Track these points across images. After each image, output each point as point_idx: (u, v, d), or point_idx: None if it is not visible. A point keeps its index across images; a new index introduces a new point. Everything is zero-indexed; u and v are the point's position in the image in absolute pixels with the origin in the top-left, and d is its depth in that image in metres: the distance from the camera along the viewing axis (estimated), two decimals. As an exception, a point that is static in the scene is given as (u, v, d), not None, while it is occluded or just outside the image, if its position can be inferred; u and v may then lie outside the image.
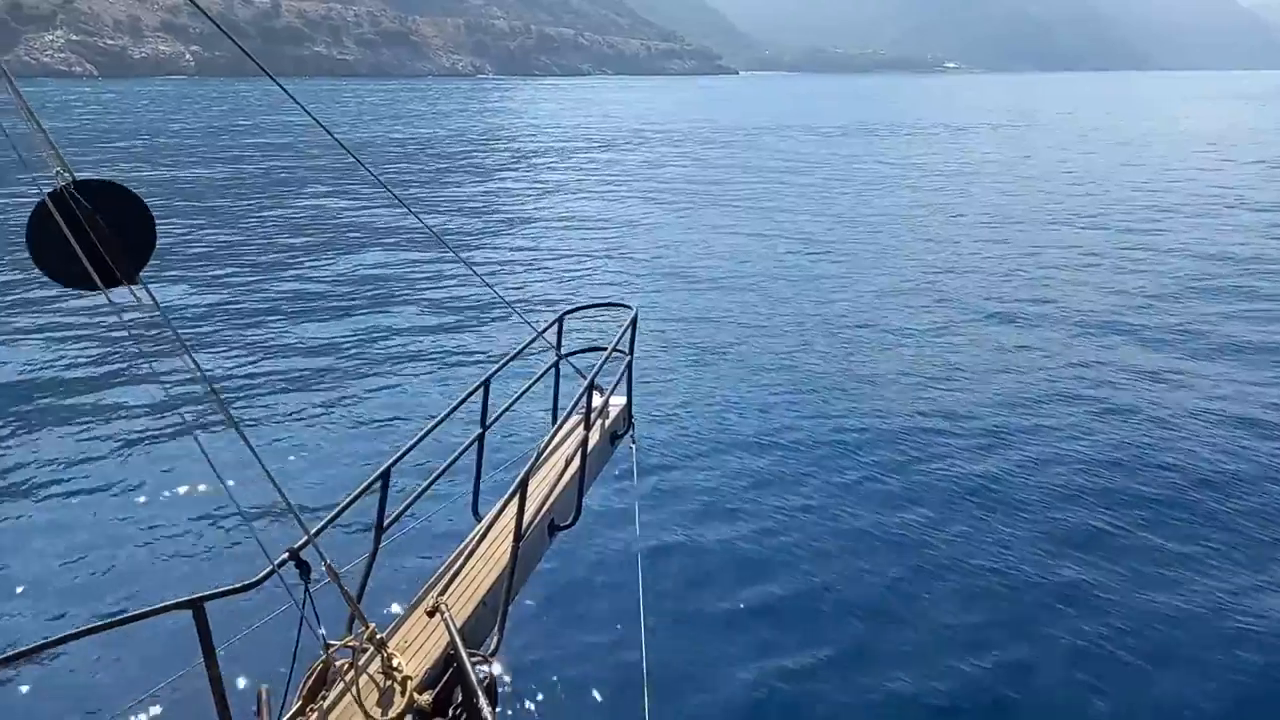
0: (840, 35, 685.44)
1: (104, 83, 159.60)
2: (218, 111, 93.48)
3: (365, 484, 4.85)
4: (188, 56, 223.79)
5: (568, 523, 6.26)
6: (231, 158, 54.75)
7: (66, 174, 3.18)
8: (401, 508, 5.19)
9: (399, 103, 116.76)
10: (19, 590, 9.57)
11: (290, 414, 14.74)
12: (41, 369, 17.15)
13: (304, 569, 4.13)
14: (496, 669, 4.71)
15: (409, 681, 4.13)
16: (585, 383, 6.35)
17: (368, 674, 4.22)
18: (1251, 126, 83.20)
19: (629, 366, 7.56)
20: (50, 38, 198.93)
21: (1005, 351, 17.48)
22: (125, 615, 3.70)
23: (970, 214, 33.82)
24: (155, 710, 7.06)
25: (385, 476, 4.97)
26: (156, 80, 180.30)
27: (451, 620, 4.11)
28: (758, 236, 29.87)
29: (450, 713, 4.17)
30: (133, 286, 3.36)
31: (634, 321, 7.56)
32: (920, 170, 48.06)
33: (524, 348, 7.17)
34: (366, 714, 3.96)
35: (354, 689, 4.05)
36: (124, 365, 16.94)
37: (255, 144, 62.85)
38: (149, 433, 13.75)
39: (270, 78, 5.50)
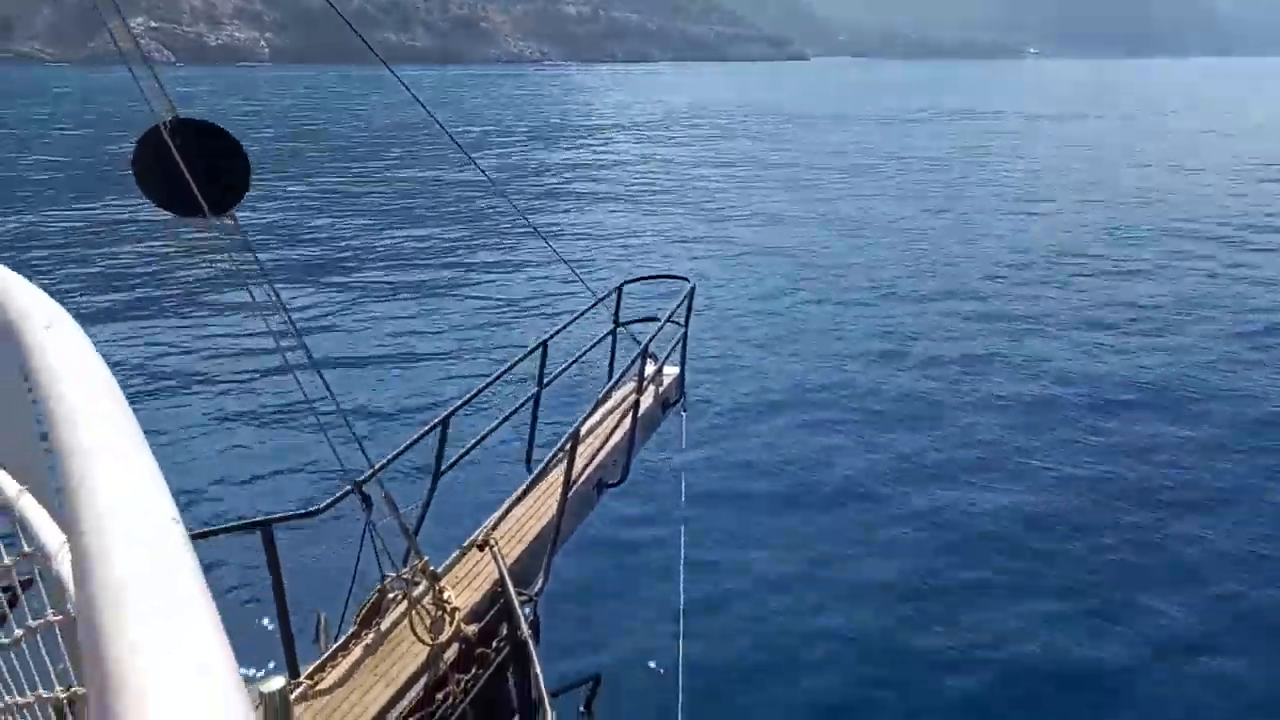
0: (918, 19, 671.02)
1: (182, 69, 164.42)
2: (299, 96, 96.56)
3: (426, 428, 5.10)
4: (262, 43, 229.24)
5: (615, 481, 6.44)
6: (320, 133, 57.55)
7: (172, 113, 3.45)
8: (459, 454, 5.41)
9: (466, 88, 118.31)
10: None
11: (360, 357, 15.90)
12: (133, 292, 18.82)
13: (366, 501, 4.37)
14: (540, 610, 4.91)
15: (457, 613, 4.35)
16: (639, 349, 6.51)
17: (420, 604, 4.45)
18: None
19: (684, 337, 7.70)
20: (131, 25, 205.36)
21: (1092, 349, 16.86)
22: (197, 531, 3.96)
23: (1054, 212, 31.94)
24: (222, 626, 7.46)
25: (445, 423, 5.21)
26: (233, 67, 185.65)
27: (500, 556, 4.31)
28: (818, 220, 29.73)
29: (494, 644, 4.37)
30: (223, 218, 3.62)
31: (690, 294, 7.68)
32: (992, 166, 46.90)
33: (583, 313, 7.37)
34: (417, 639, 4.18)
35: (406, 617, 4.27)
36: (210, 295, 18.63)
37: (341, 122, 66.18)
38: (229, 360, 15.18)
39: (383, 63, 5.83)
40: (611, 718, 6.81)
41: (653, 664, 7.48)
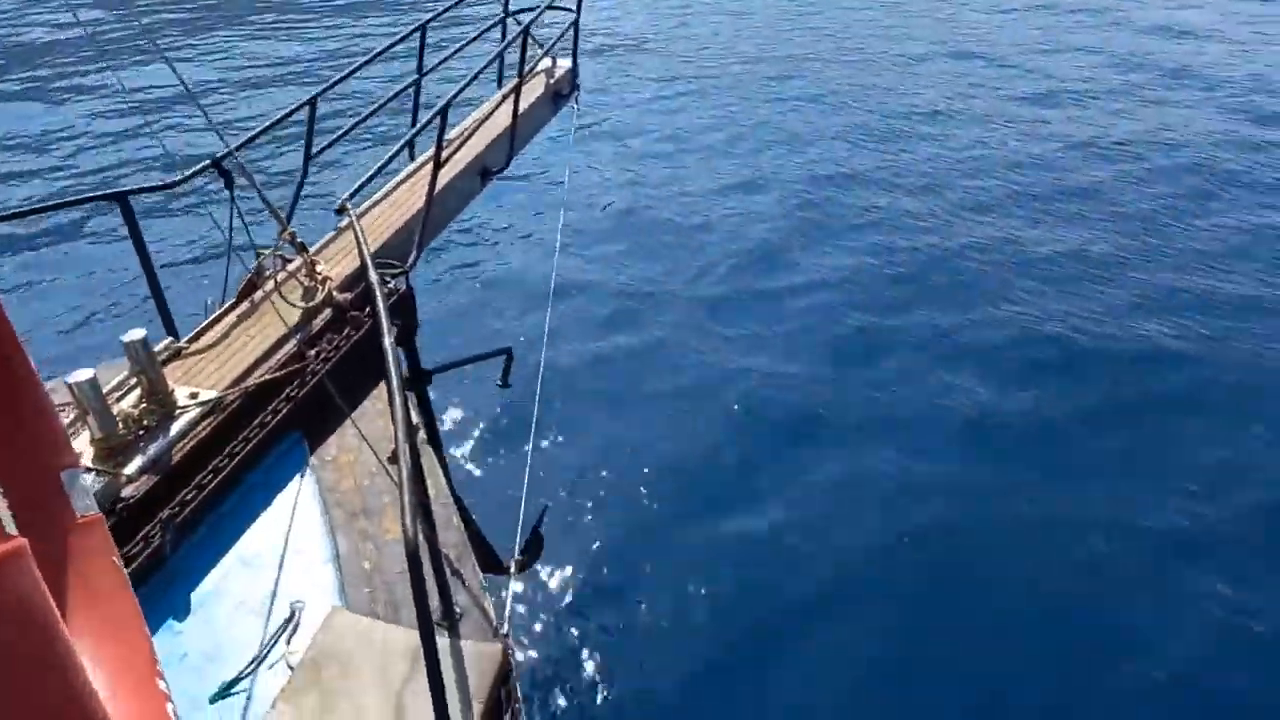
0: None
1: None
2: None
3: (291, 108, 5.09)
4: None
5: (499, 169, 6.57)
6: None
7: None
8: (333, 138, 5.45)
9: None
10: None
11: (220, 41, 15.19)
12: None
13: (228, 178, 4.48)
14: (415, 282, 5.18)
15: (329, 282, 4.62)
16: (520, 30, 6.37)
17: (293, 276, 4.70)
18: None
19: (575, 25, 7.50)
20: None
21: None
22: (55, 201, 4.08)
23: None
24: (94, 304, 7.74)
25: (312, 104, 5.20)
26: None
27: (357, 220, 4.48)
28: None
29: (366, 310, 4.65)
30: None
31: None
32: None
33: None
34: (291, 305, 4.46)
35: (280, 286, 4.52)
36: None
37: None
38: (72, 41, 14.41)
39: None
40: (477, 394, 7.44)
41: (522, 338, 8.01)
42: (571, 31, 7.51)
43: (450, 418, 7.45)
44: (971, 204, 10.95)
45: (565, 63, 7.87)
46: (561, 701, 5.30)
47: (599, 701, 5.33)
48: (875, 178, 11.52)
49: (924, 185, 11.32)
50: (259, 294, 4.62)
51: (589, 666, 5.54)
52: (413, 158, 6.33)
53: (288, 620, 3.29)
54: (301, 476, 3.91)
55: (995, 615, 5.84)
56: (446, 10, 6.77)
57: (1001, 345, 8.43)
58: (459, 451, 7.12)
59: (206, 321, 4.51)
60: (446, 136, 5.36)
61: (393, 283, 4.77)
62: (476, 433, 7.39)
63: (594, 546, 6.45)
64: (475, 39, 7.10)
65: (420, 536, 2.41)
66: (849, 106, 13.80)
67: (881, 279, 9.47)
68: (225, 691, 3.09)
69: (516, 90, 6.43)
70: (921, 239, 10.08)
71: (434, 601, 3.09)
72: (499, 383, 6.29)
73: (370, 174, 4.97)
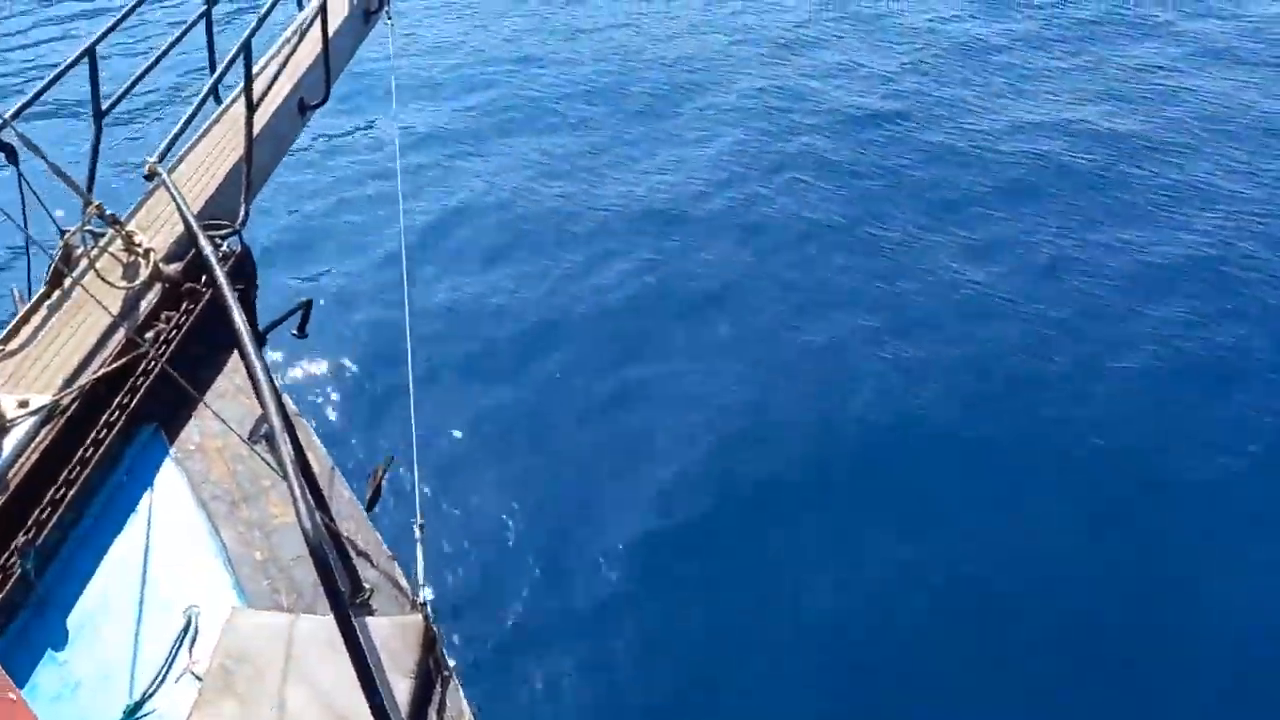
0: None
1: None
2: None
3: (67, 63, 4.49)
4: None
5: (318, 102, 6.10)
6: None
7: None
8: (122, 90, 4.86)
9: None
10: None
11: None
12: None
13: (9, 152, 3.94)
14: (252, 241, 4.77)
15: (152, 254, 4.17)
16: None
17: (109, 252, 4.23)
18: None
19: None
20: None
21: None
22: None
23: None
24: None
25: (91, 55, 4.60)
26: None
27: (170, 183, 4.04)
28: None
29: (202, 280, 4.23)
30: None
31: None
32: None
33: None
34: (113, 286, 4.01)
35: (95, 267, 4.06)
36: None
37: None
38: None
39: None
40: (335, 334, 7.08)
41: (375, 261, 7.67)
42: None
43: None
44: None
45: None
46: (489, 659, 5.21)
47: (527, 655, 5.27)
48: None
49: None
50: (69, 280, 4.13)
51: (510, 619, 5.46)
52: (219, 102, 5.75)
53: (185, 629, 3.04)
54: (167, 472, 3.58)
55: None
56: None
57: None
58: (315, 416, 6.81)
59: (17, 319, 4.03)
60: (253, 72, 4.87)
61: (225, 244, 4.36)
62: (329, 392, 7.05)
63: (493, 493, 6.33)
64: None
65: (318, 518, 2.21)
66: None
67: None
68: (131, 716, 2.86)
69: (321, 10, 5.91)
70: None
71: (342, 582, 2.89)
72: (294, 332, 5.87)
73: (178, 128, 4.45)
